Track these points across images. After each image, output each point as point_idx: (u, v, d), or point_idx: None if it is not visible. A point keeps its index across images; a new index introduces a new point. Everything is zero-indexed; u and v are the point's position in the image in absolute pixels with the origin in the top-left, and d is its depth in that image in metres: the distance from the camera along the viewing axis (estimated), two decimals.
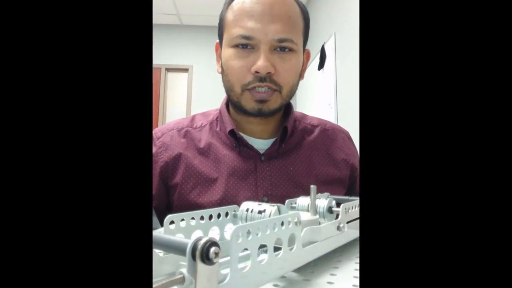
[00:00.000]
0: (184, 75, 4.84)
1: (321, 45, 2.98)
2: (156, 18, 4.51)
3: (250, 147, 0.73)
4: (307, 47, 0.78)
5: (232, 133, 0.73)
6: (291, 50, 0.68)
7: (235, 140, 0.74)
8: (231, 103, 0.76)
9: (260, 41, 0.65)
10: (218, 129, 0.77)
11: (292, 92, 0.72)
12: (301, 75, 0.76)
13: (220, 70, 0.75)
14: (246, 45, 0.67)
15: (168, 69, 4.82)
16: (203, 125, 0.79)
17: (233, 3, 0.70)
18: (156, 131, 0.79)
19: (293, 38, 0.68)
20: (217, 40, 0.77)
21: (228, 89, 0.72)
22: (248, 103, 0.69)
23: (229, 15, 0.69)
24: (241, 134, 0.74)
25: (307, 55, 0.79)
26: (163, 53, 4.75)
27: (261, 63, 0.65)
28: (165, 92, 4.78)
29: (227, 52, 0.69)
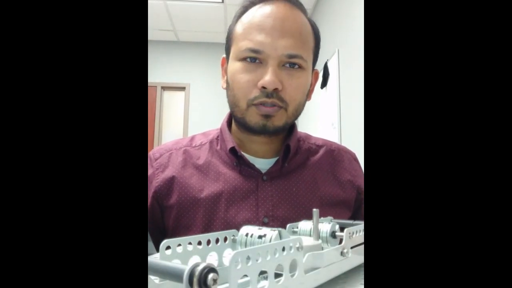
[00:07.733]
0: (181, 94, 4.87)
1: (324, 63, 3.02)
2: (152, 34, 4.58)
3: (251, 166, 0.73)
4: (315, 67, 0.79)
5: (233, 151, 0.74)
6: (300, 67, 0.69)
7: (236, 159, 0.74)
8: (235, 120, 0.77)
9: (269, 55, 0.67)
10: (218, 147, 0.78)
11: (298, 111, 0.73)
12: (308, 96, 0.77)
13: (225, 85, 0.76)
14: (254, 59, 0.68)
15: (164, 88, 4.86)
16: (202, 143, 0.80)
17: (243, 16, 0.72)
18: (154, 152, 0.80)
19: (303, 55, 0.69)
20: (224, 55, 0.79)
21: (233, 104, 0.72)
22: (253, 118, 0.69)
23: (238, 28, 0.71)
24: (243, 153, 0.75)
25: (315, 76, 0.80)
26: (158, 71, 4.80)
27: (268, 78, 0.65)
28: (161, 112, 4.80)
29: (234, 65, 0.71)
